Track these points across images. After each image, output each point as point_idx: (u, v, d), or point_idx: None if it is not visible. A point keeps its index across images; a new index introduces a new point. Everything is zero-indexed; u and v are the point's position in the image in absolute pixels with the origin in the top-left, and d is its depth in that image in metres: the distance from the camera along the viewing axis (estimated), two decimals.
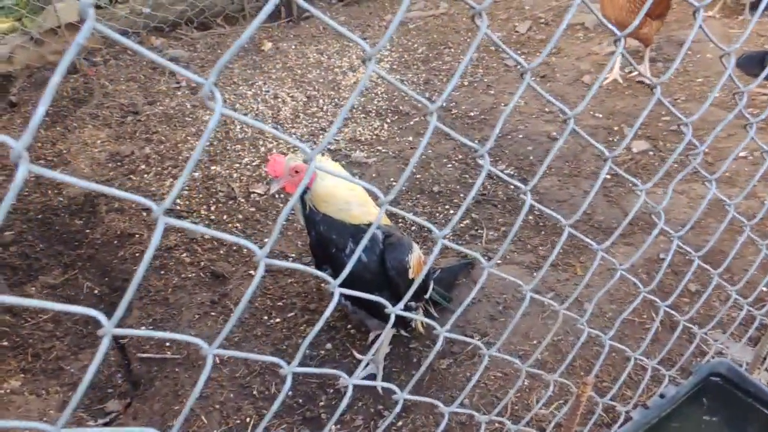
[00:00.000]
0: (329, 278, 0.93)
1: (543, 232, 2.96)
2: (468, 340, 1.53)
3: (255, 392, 2.33)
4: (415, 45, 4.60)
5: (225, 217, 3.10)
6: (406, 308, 2.24)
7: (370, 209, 2.07)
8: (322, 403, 2.28)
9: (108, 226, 3.07)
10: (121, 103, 4.02)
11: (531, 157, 3.42)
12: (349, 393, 1.15)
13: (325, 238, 2.06)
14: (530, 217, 3.04)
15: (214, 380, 2.37)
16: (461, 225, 3.02)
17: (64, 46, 4.41)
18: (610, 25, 1.08)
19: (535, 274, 2.73)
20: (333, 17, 5.07)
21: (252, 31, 0.66)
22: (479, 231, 2.98)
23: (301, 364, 1.02)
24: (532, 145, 3.49)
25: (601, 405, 1.74)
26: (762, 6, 1.29)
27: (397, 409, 1.23)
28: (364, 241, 0.95)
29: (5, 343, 2.59)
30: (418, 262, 2.13)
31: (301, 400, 2.29)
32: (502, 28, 4.75)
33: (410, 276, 2.08)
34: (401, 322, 2.33)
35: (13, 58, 4.31)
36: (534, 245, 2.88)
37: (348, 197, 2.02)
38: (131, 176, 3.40)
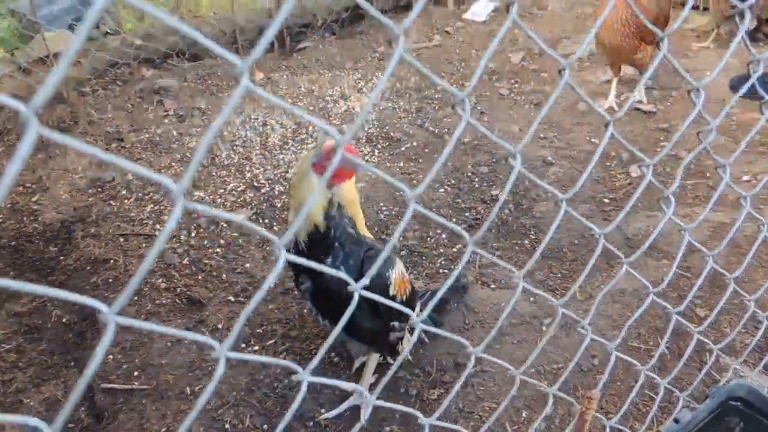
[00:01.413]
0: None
1: (541, 257, 2.81)
2: (462, 339, 1.35)
3: (227, 425, 2.13)
4: (408, 74, 4.54)
5: (206, 242, 2.95)
6: (391, 330, 2.08)
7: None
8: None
9: (82, 252, 2.92)
10: (106, 131, 3.92)
11: (526, 182, 3.29)
12: (305, 387, 0.96)
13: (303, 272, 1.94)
14: (526, 242, 2.90)
15: (182, 412, 2.17)
16: (454, 249, 2.87)
17: None
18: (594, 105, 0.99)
19: (532, 299, 2.56)
20: (326, 49, 5.04)
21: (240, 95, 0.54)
22: (472, 256, 2.83)
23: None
24: (527, 170, 3.36)
25: (609, 430, 1.55)
26: (742, 90, 1.24)
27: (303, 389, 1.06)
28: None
29: None
30: (400, 279, 1.97)
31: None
32: (496, 59, 4.71)
33: (391, 293, 1.93)
34: (387, 348, 2.15)
35: (0, 87, 4.24)
36: (530, 270, 2.72)
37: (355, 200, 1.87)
38: (111, 202, 3.27)
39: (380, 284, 1.89)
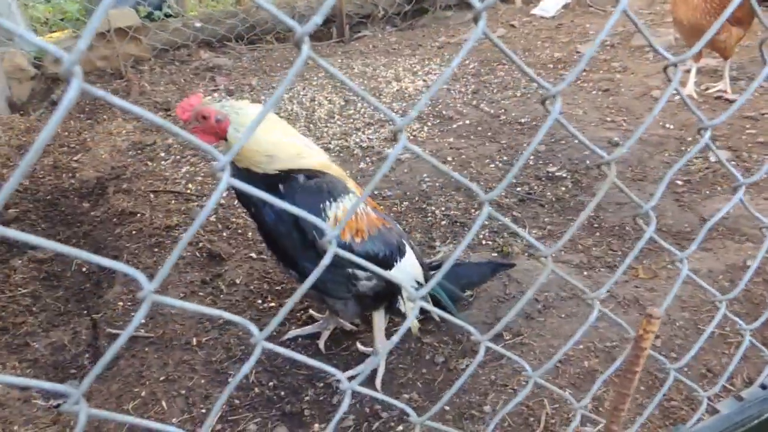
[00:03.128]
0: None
1: (598, 234, 2.48)
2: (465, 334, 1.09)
3: (230, 379, 1.91)
4: (467, 61, 4.32)
5: (236, 202, 2.80)
6: (352, 278, 1.73)
7: (307, 158, 1.67)
8: (307, 398, 1.84)
9: (111, 205, 2.83)
10: (155, 101, 3.89)
11: (587, 162, 2.97)
12: (347, 401, 0.81)
13: (246, 196, 1.69)
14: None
15: (185, 363, 1.98)
16: (499, 223, 2.59)
17: (112, 51, 4.40)
18: (664, 52, 0.80)
19: (585, 273, 2.24)
20: (384, 38, 4.90)
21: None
22: (520, 226, 2.53)
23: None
24: (590, 150, 3.04)
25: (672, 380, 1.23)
26: None
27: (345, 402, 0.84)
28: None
29: None
30: (351, 217, 1.66)
31: (283, 393, 1.86)
32: (563, 49, 4.42)
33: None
34: (370, 304, 1.84)
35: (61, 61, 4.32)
36: (587, 245, 2.40)
37: (270, 150, 1.60)
38: (148, 162, 3.19)
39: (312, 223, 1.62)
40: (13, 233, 0.50)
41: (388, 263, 1.76)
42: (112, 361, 2.05)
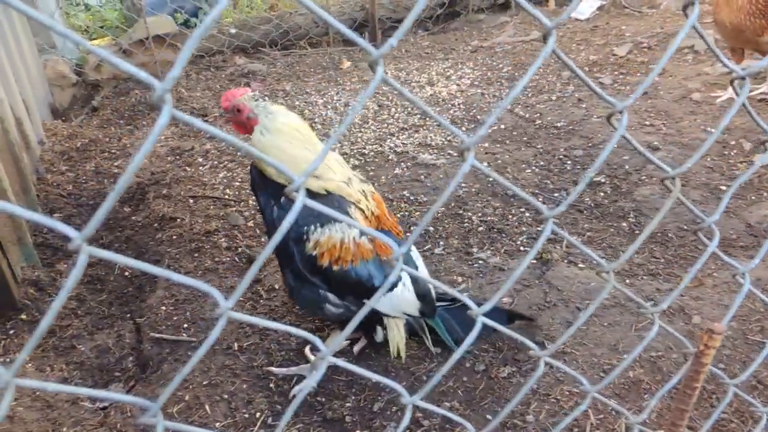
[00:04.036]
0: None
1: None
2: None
3: (272, 385, 1.94)
4: (501, 65, 4.30)
5: None
6: (323, 300, 1.77)
7: (321, 180, 1.71)
8: (348, 404, 1.84)
9: (152, 210, 2.88)
10: (192, 107, 3.96)
11: (626, 166, 2.93)
12: (408, 415, 0.84)
13: (257, 194, 1.80)
14: (624, 225, 2.54)
15: (227, 368, 2.01)
16: (538, 228, 2.57)
17: (150, 57, 4.49)
18: (732, 65, 0.81)
19: (627, 281, 2.20)
20: (417, 42, 4.91)
21: None
22: (559, 236, 2.50)
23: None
24: (629, 155, 3.00)
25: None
26: None
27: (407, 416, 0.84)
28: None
29: (23, 317, 2.37)
30: (332, 245, 1.69)
31: (324, 398, 1.87)
32: (599, 52, 4.36)
33: (307, 251, 1.69)
34: (339, 321, 1.91)
35: (102, 67, 4.43)
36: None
37: (286, 163, 1.61)
38: (186, 168, 3.24)
39: (296, 237, 1.68)
40: (106, 254, 0.51)
41: (367, 292, 1.76)
42: (156, 365, 2.09)
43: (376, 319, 1.89)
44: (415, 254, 1.96)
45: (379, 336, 1.92)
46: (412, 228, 2.63)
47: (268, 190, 1.73)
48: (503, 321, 1.96)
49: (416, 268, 1.90)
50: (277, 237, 0.61)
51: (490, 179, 2.94)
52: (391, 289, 1.78)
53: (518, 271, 0.79)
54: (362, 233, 1.71)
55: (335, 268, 1.71)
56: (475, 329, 0.79)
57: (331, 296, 1.79)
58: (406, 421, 0.80)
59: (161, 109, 0.49)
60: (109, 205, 0.49)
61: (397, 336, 1.93)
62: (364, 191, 1.82)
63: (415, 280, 1.85)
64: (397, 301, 1.82)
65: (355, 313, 1.74)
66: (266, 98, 1.75)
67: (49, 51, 4.23)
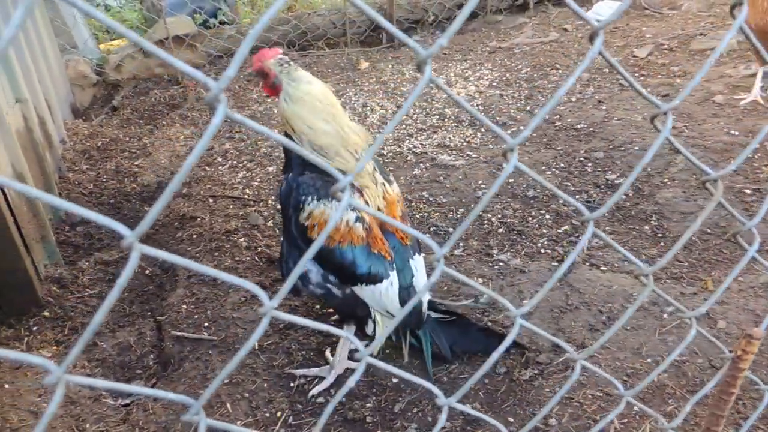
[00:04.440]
0: None
1: (662, 243, 2.41)
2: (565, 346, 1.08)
3: (292, 384, 1.94)
4: (519, 66, 4.28)
5: None
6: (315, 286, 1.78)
7: (333, 160, 1.69)
8: (369, 405, 1.84)
9: (172, 209, 2.90)
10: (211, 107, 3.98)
11: (648, 169, 2.90)
12: (444, 417, 0.84)
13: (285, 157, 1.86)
14: (646, 228, 2.51)
15: (248, 366, 2.01)
16: (559, 230, 2.55)
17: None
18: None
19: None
20: (434, 43, 4.89)
21: None
22: (580, 238, 2.49)
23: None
24: (651, 157, 2.97)
25: None
26: None
27: (442, 417, 0.83)
28: None
29: (46, 314, 2.40)
30: (323, 219, 1.71)
31: (344, 399, 1.87)
32: (618, 54, 4.33)
33: (301, 220, 1.71)
34: (348, 317, 1.91)
35: (122, 67, 4.46)
36: (650, 255, 2.34)
37: (305, 133, 1.67)
38: (206, 167, 3.26)
39: (294, 205, 1.72)
40: (157, 253, 0.51)
41: (349, 277, 1.76)
42: (177, 363, 2.10)
43: (367, 312, 1.87)
44: (418, 262, 1.90)
45: (369, 328, 1.91)
46: (431, 229, 2.62)
47: (287, 167, 1.81)
48: (487, 344, 1.94)
49: (412, 275, 1.86)
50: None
51: (510, 180, 2.92)
52: (376, 282, 1.77)
53: (558, 273, 0.79)
54: (357, 219, 1.74)
55: (324, 244, 1.74)
56: (513, 331, 0.78)
57: (313, 274, 1.80)
58: (442, 422, 0.80)
59: (216, 109, 0.49)
60: (160, 205, 0.49)
61: (380, 333, 1.90)
62: (377, 182, 1.82)
63: (407, 286, 1.83)
64: (380, 296, 1.80)
65: (337, 298, 1.82)
66: (291, 63, 1.73)
67: (71, 51, 4.28)
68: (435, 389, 0.79)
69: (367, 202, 1.77)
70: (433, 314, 1.95)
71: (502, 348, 0.81)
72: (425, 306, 1.89)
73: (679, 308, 0.97)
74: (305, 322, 0.62)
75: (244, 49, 0.48)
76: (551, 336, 0.88)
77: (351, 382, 0.70)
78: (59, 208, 0.44)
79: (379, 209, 1.80)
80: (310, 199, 1.71)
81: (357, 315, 1.88)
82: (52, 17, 4.01)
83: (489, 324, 2.05)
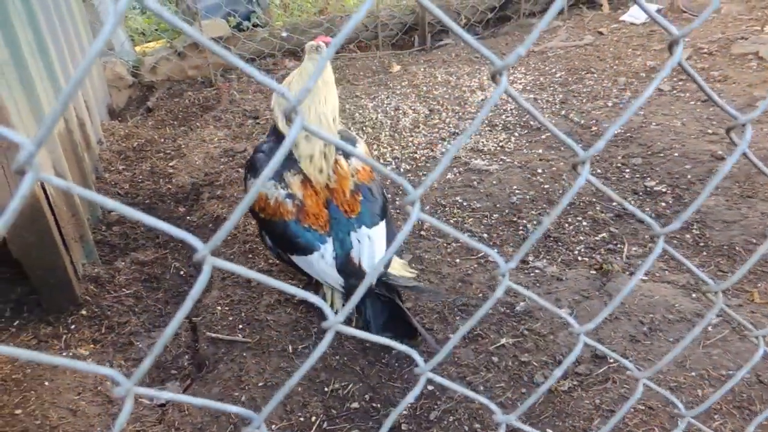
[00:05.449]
0: None
1: (705, 252, 2.35)
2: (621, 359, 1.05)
3: (327, 389, 1.93)
4: (554, 70, 4.22)
5: None
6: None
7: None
8: (404, 412, 1.82)
9: (206, 211, 2.92)
10: (244, 109, 4.01)
11: (689, 176, 2.83)
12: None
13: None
14: (688, 236, 2.45)
15: (282, 370, 2.01)
16: (596, 238, 2.50)
17: (204, 60, 4.58)
18: None
19: (693, 296, 2.12)
20: (466, 46, 4.86)
21: None
22: (618, 246, 2.44)
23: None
24: (691, 164, 2.90)
25: None
26: None
27: None
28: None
29: (84, 312, 2.43)
30: (258, 195, 2.02)
31: (379, 405, 1.86)
32: (656, 57, 4.25)
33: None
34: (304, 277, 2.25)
35: (157, 69, 4.53)
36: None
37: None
38: (239, 169, 3.28)
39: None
40: (230, 266, 0.50)
41: (286, 247, 2.07)
42: (212, 365, 2.11)
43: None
44: (367, 233, 2.03)
45: (320, 295, 2.09)
46: (466, 234, 2.60)
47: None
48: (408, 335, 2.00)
49: (351, 247, 2.02)
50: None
51: (546, 186, 2.88)
52: (307, 253, 2.02)
53: (626, 291, 0.76)
54: (287, 196, 2.01)
55: (261, 215, 2.06)
56: (577, 348, 0.76)
57: (267, 240, 2.15)
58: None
59: (293, 120, 0.48)
60: (236, 217, 0.48)
61: (329, 300, 2.12)
62: (329, 161, 2.05)
63: (343, 257, 2.01)
64: (311, 266, 2.04)
65: (286, 262, 2.14)
66: (320, 51, 2.02)
67: (108, 53, 4.35)
68: (493, 406, 0.77)
69: (304, 179, 2.03)
70: (379, 290, 2.02)
71: (567, 362, 0.78)
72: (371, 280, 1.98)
73: (745, 326, 0.94)
74: (368, 336, 0.61)
75: (340, 38, 0.46)
76: (618, 356, 0.85)
77: (410, 398, 0.69)
78: (134, 218, 0.44)
79: (328, 187, 2.05)
80: (249, 176, 2.11)
81: (317, 284, 2.14)
82: (91, 20, 4.08)
83: (409, 314, 2.02)
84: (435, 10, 0.57)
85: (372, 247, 2.02)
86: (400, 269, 2.15)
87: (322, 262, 2.01)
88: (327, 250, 2.00)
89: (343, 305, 2.08)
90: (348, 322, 2.06)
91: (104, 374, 0.49)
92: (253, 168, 2.10)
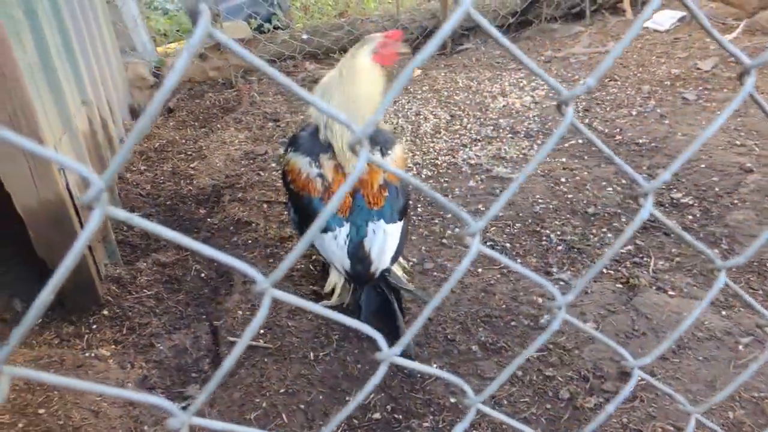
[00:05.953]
0: None
1: (734, 269, 2.31)
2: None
3: (348, 398, 1.92)
4: (576, 77, 4.18)
5: None
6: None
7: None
8: (426, 424, 1.80)
9: (227, 214, 2.92)
10: (264, 112, 4.01)
11: (716, 189, 2.78)
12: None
13: None
14: (716, 251, 2.41)
15: (303, 377, 2.00)
16: (622, 251, 2.46)
17: (225, 62, 4.59)
18: None
19: (723, 313, 2.08)
20: (487, 51, 4.84)
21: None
22: (645, 259, 2.40)
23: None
24: (719, 176, 2.86)
25: None
26: None
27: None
28: None
29: (105, 312, 2.44)
30: (292, 168, 2.19)
31: (401, 416, 1.84)
32: (681, 66, 4.19)
33: (283, 165, 2.24)
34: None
35: None
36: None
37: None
38: (260, 172, 3.28)
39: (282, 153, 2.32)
40: (296, 300, 0.49)
41: (304, 219, 2.19)
42: (233, 369, 2.10)
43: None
44: (384, 227, 2.10)
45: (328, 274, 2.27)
46: (487, 243, 2.57)
47: None
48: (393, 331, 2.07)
49: (365, 235, 2.10)
50: None
51: (569, 196, 2.85)
52: (321, 231, 2.08)
53: (689, 321, 0.74)
54: (318, 175, 2.12)
55: (291, 186, 2.18)
56: (631, 382, 0.74)
57: (291, 211, 2.29)
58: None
59: (359, 154, 0.47)
60: (296, 255, 0.47)
61: (333, 279, 2.25)
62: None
63: (356, 243, 2.08)
64: (322, 246, 2.14)
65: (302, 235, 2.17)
66: (365, 46, 2.13)
67: (130, 54, 4.37)
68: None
69: (336, 167, 2.14)
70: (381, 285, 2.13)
71: (611, 408, 0.76)
72: (375, 269, 2.09)
73: (762, 310, 0.91)
74: (422, 368, 0.59)
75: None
76: (672, 391, 0.83)
77: (369, 387, 0.67)
78: (191, 248, 0.43)
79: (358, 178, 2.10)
80: (291, 149, 2.20)
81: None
82: (114, 20, 4.11)
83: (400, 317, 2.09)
84: (477, 15, 0.55)
85: (385, 241, 2.10)
86: (401, 272, 2.27)
87: (334, 242, 2.10)
88: (341, 232, 2.10)
89: (348, 295, 2.19)
90: (349, 312, 2.15)
91: (157, 404, 0.48)
92: (293, 143, 2.21)
